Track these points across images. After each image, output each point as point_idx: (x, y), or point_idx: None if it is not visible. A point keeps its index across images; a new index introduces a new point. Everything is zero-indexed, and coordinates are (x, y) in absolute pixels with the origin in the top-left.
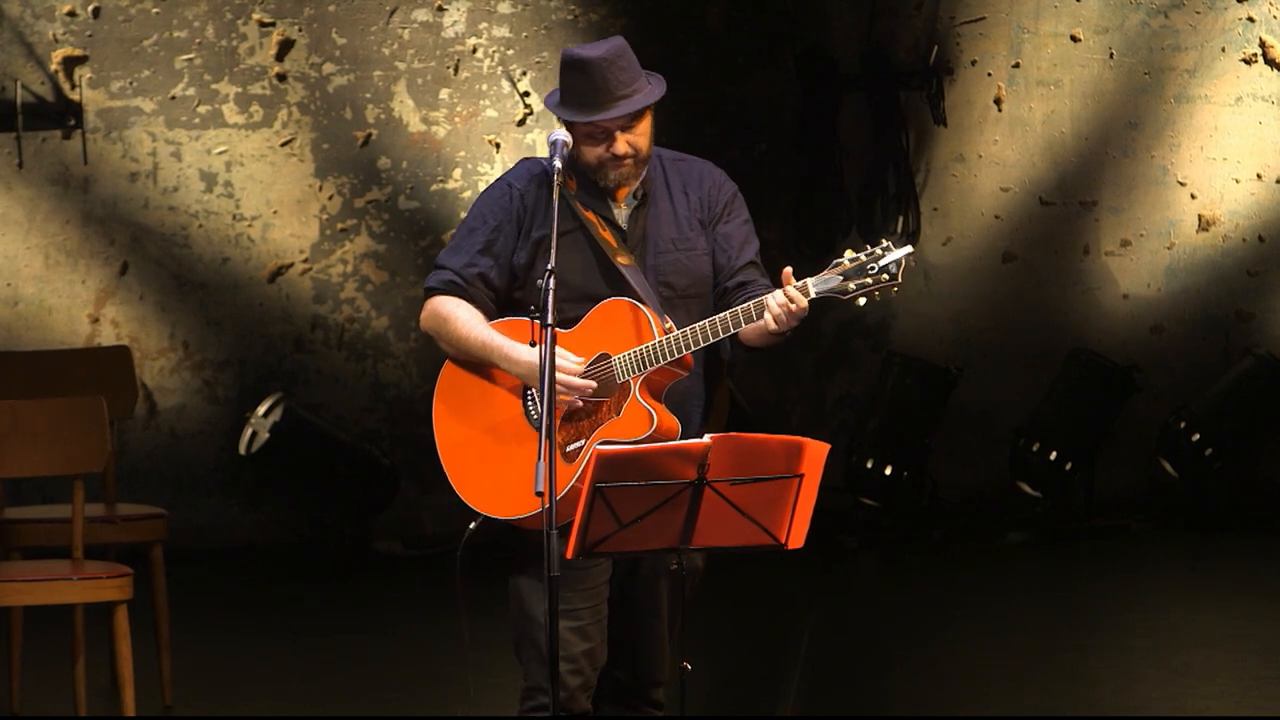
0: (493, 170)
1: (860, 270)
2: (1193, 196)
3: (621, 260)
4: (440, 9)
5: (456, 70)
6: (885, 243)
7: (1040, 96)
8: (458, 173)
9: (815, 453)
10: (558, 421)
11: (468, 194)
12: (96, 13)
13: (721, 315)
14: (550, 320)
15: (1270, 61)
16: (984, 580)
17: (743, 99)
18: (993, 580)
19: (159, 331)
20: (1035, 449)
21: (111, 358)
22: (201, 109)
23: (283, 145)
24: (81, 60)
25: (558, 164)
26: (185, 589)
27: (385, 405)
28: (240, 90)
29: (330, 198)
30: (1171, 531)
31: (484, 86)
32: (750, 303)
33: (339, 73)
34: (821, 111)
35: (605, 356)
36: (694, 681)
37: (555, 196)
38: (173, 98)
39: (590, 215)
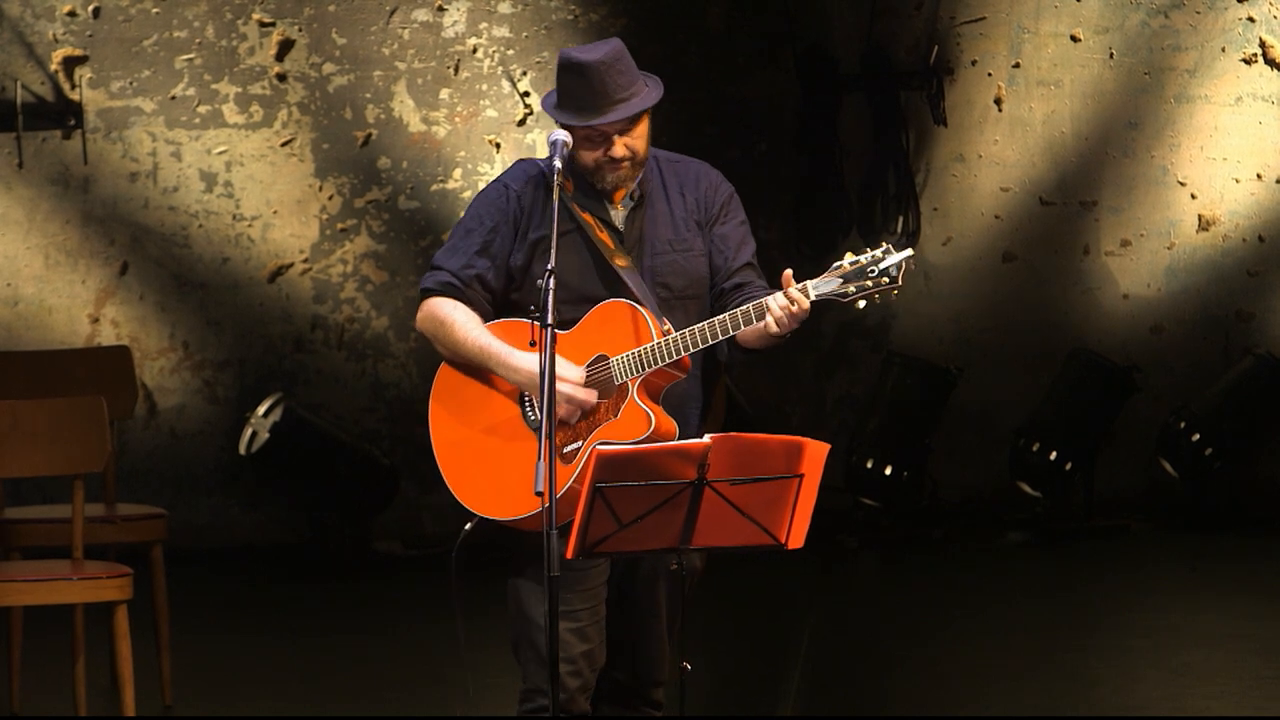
0: (493, 170)
1: (860, 273)
2: (1193, 196)
3: (619, 262)
4: (440, 9)
5: (456, 70)
6: (885, 245)
7: (1040, 96)
8: (458, 173)
9: (815, 453)
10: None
11: (468, 194)
12: (96, 13)
13: (721, 317)
14: (550, 320)
15: (1270, 61)
16: (984, 580)
17: (743, 99)
18: (993, 580)
19: (159, 331)
20: (1035, 449)
21: (111, 358)
22: (201, 109)
23: (283, 145)
24: (81, 60)
25: (558, 164)
26: (185, 589)
27: (385, 405)
28: (240, 90)
29: (330, 198)
30: (1171, 531)
31: (484, 86)
32: (750, 305)
33: (339, 73)
34: (821, 111)
35: (603, 358)
36: (694, 681)
37: (555, 196)
38: (173, 98)
39: (587, 217)
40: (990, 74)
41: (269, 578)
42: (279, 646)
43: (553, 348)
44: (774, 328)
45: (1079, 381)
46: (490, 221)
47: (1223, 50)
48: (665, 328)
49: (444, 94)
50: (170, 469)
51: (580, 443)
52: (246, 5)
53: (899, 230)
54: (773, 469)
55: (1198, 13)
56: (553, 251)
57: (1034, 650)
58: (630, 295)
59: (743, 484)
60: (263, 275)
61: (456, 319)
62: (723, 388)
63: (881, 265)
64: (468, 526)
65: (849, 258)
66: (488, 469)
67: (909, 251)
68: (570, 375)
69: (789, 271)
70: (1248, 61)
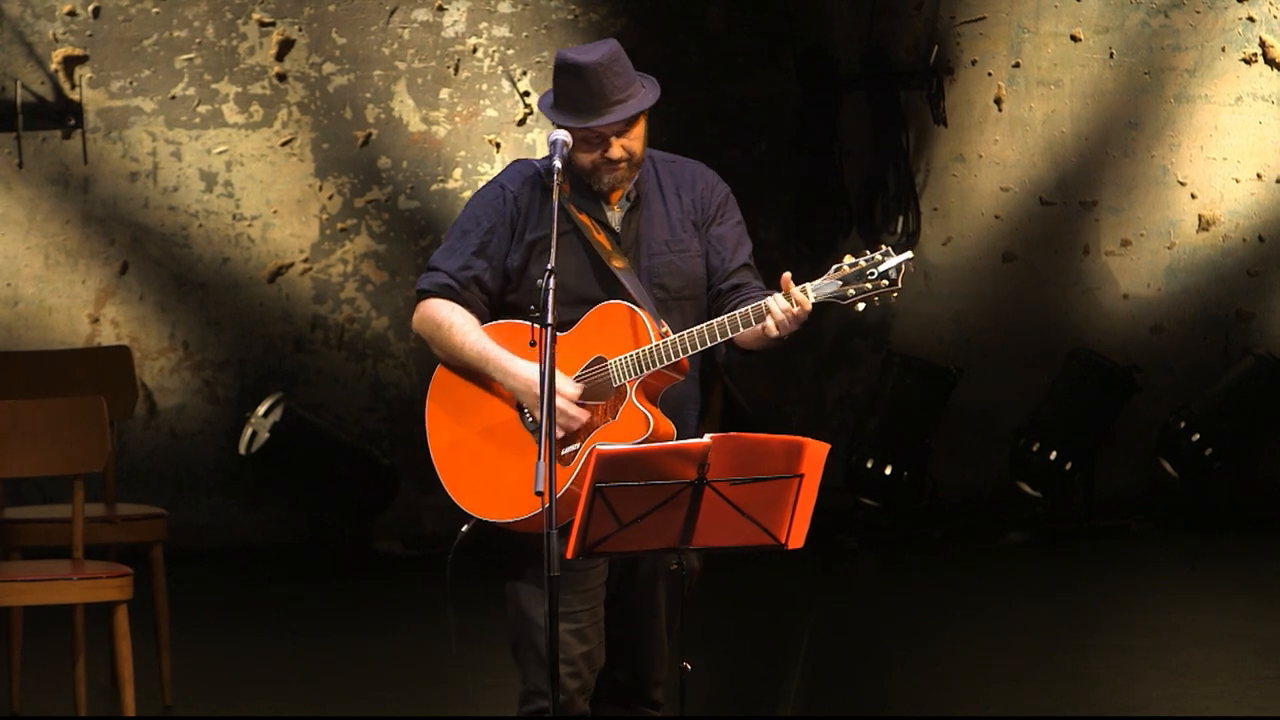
0: (492, 170)
1: (860, 276)
2: (1193, 196)
3: (616, 263)
4: (440, 9)
5: (456, 70)
6: (884, 248)
7: (1040, 96)
8: (458, 173)
9: (815, 453)
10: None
11: (467, 194)
12: (96, 13)
13: (720, 319)
14: (550, 320)
15: (1270, 61)
16: (984, 580)
17: (743, 99)
18: (993, 580)
19: (159, 331)
20: (1035, 449)
21: (111, 358)
22: (201, 109)
23: (283, 145)
24: (81, 60)
25: (558, 163)
26: (185, 589)
27: (385, 405)
28: (240, 90)
29: (330, 198)
30: (1171, 531)
31: (484, 86)
32: (749, 307)
33: (339, 73)
34: (821, 111)
35: (601, 360)
36: (694, 681)
37: (556, 196)
38: (173, 98)
39: (584, 218)
40: (990, 74)
41: (269, 578)
42: (279, 646)
43: (553, 347)
44: (774, 331)
45: (1079, 381)
46: (487, 223)
47: (1223, 50)
48: (663, 329)
49: (444, 94)
50: (170, 469)
51: (578, 445)
52: (246, 5)
53: (899, 230)
54: (773, 469)
55: (1198, 13)
56: (553, 251)
57: (1034, 650)
58: (628, 297)
59: (743, 484)
60: (263, 275)
61: (454, 321)
62: (719, 389)
63: (881, 268)
64: (465, 529)
65: (848, 260)
66: (485, 471)
67: (908, 254)
68: (565, 390)
69: (787, 274)
70: (1248, 61)
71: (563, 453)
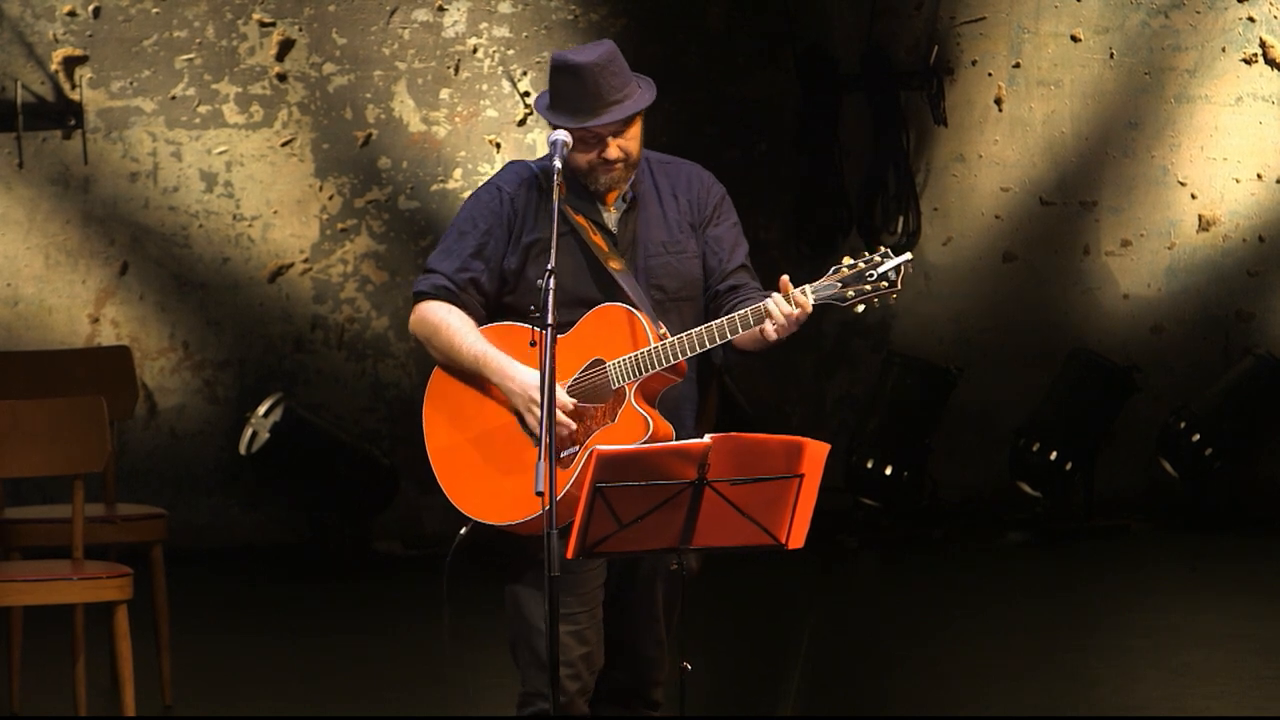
0: (493, 170)
1: (859, 277)
2: (1193, 196)
3: (613, 265)
4: (440, 9)
5: (457, 70)
6: (883, 249)
7: (1040, 96)
8: (458, 173)
9: (815, 453)
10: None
11: (467, 194)
12: (96, 13)
13: (719, 321)
14: (550, 320)
15: (1270, 61)
16: (984, 580)
17: (743, 99)
18: (993, 580)
19: (159, 331)
20: (1035, 449)
21: (111, 358)
22: (201, 109)
23: (283, 145)
24: (81, 60)
25: (558, 164)
26: (185, 589)
27: (385, 405)
28: (240, 90)
29: (330, 198)
30: (1171, 531)
31: (484, 86)
32: (749, 309)
33: (339, 73)
34: (821, 111)
35: (599, 362)
36: (694, 681)
37: (556, 196)
38: (173, 98)
39: (581, 219)
40: (990, 74)
41: (269, 578)
42: (279, 646)
43: (553, 348)
44: (772, 335)
45: (1079, 381)
46: (484, 224)
47: (1223, 50)
48: (661, 331)
49: (444, 94)
50: (170, 469)
51: (577, 447)
52: (246, 5)
53: (899, 230)
54: (773, 469)
55: (1198, 13)
56: (553, 251)
57: (1034, 650)
58: (625, 298)
59: (743, 484)
60: (263, 275)
61: (451, 323)
62: (715, 389)
63: (880, 269)
64: (463, 531)
65: (846, 261)
66: (483, 474)
67: (907, 256)
68: (560, 400)
69: (786, 277)
70: (1248, 61)
71: (561, 455)
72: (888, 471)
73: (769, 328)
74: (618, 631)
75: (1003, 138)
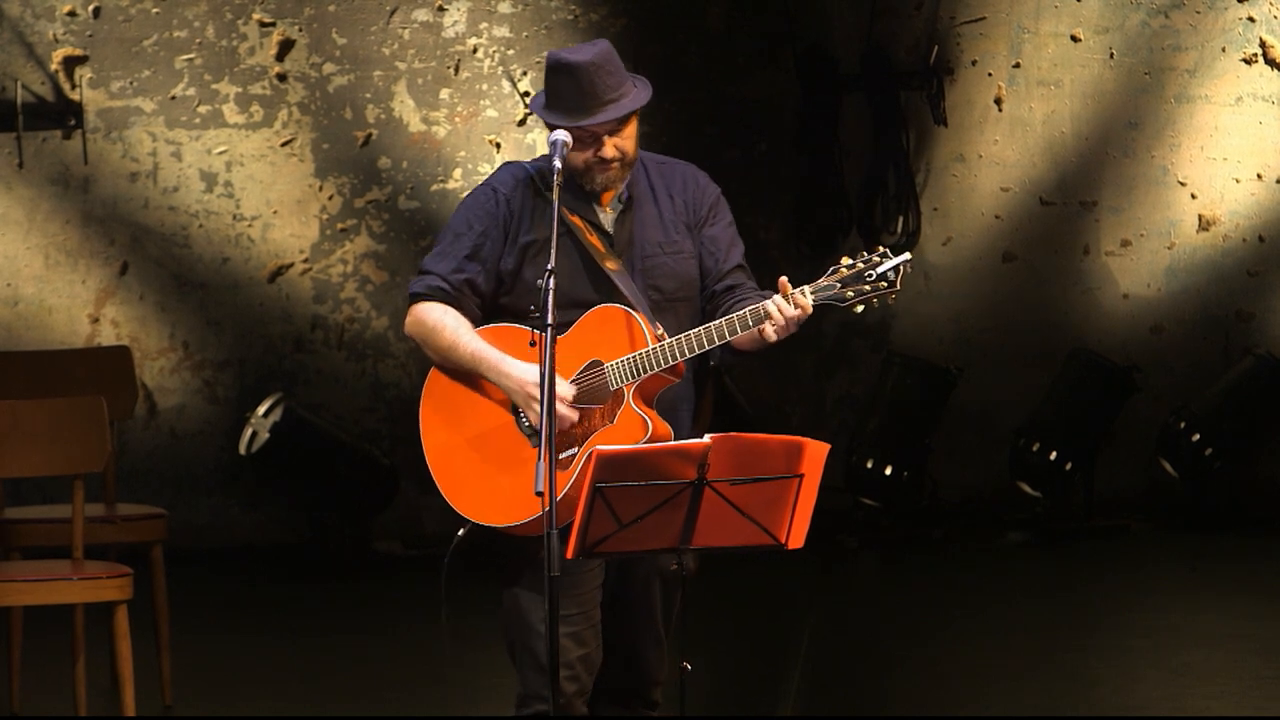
0: (492, 170)
1: (858, 278)
2: (1193, 196)
3: (610, 265)
4: (440, 9)
5: (457, 70)
6: (882, 249)
7: (1040, 96)
8: (458, 173)
9: (815, 453)
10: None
11: (467, 194)
12: (96, 13)
13: (718, 322)
14: (551, 320)
15: (1270, 61)
16: (984, 580)
17: (743, 99)
18: (993, 580)
19: (159, 331)
20: (1035, 449)
21: (111, 358)
22: (201, 109)
23: (283, 145)
24: (81, 60)
25: (558, 164)
26: (185, 589)
27: (385, 405)
28: (240, 90)
29: (330, 198)
30: (1171, 531)
31: (484, 86)
32: (748, 310)
33: (339, 73)
34: (821, 111)
35: (597, 363)
36: (694, 681)
37: (556, 196)
38: (173, 98)
39: (577, 220)
40: (990, 74)
41: (269, 578)
42: (279, 646)
43: (553, 348)
44: (772, 336)
45: (1079, 381)
46: (479, 225)
47: (1223, 50)
48: (659, 332)
49: (444, 94)
50: (170, 469)
51: (576, 449)
52: (246, 5)
53: (899, 230)
54: (773, 469)
55: (1198, 13)
56: (553, 251)
57: (1034, 650)
58: (623, 299)
59: (743, 484)
60: (263, 275)
61: (447, 324)
62: (711, 389)
63: (879, 269)
64: (461, 533)
65: (845, 262)
66: (481, 475)
67: (906, 256)
68: (560, 392)
69: (785, 278)
70: (1248, 61)
71: (560, 456)
72: (888, 471)
73: (768, 329)
74: (617, 632)
75: (1003, 138)
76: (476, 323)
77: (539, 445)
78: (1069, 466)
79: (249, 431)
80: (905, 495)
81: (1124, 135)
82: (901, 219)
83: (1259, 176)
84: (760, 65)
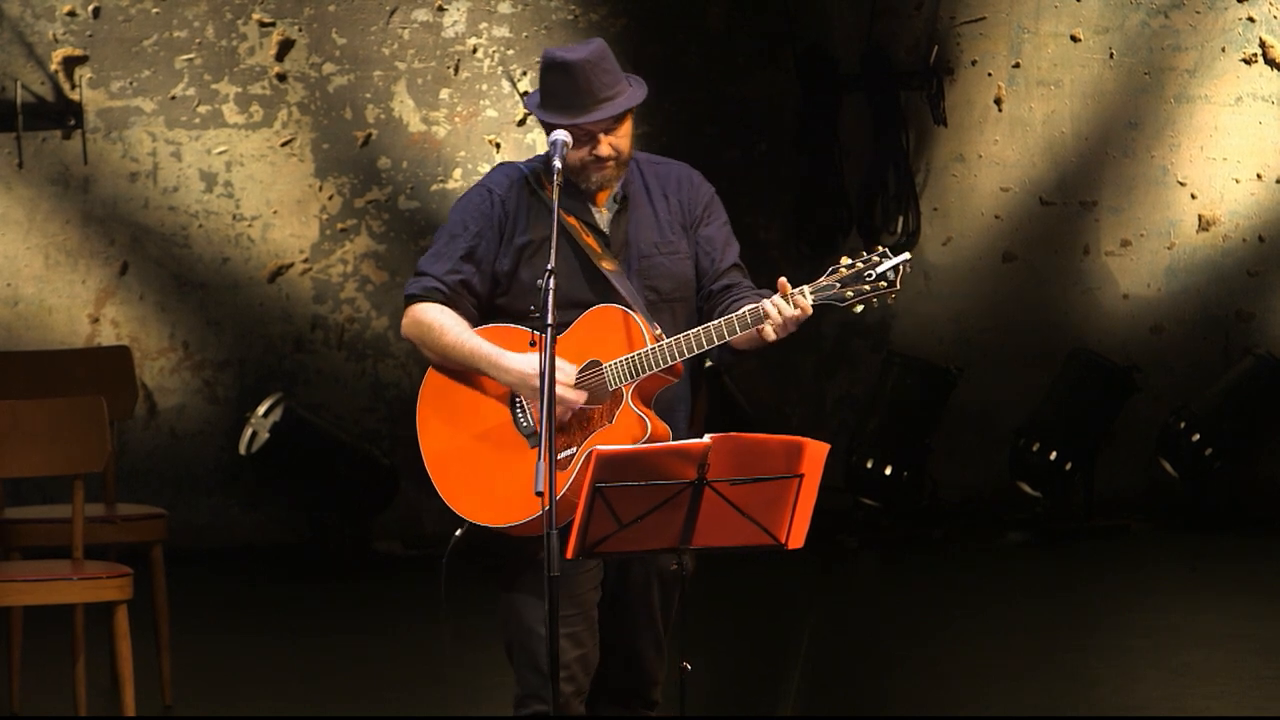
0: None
1: (858, 277)
2: (1193, 196)
3: (606, 265)
4: (440, 9)
5: (456, 70)
6: (882, 249)
7: (1040, 96)
8: (458, 173)
9: (815, 453)
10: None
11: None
12: (96, 13)
13: (717, 322)
14: (551, 320)
15: (1270, 61)
16: (984, 580)
17: (743, 99)
18: (993, 580)
19: (159, 331)
20: (1035, 449)
21: (111, 358)
22: (201, 109)
23: (283, 145)
24: (81, 60)
25: (558, 163)
26: (185, 589)
27: (385, 405)
28: (240, 90)
29: (330, 198)
30: (1171, 531)
31: (484, 86)
32: (747, 310)
33: (339, 73)
34: (821, 111)
35: (596, 364)
36: (694, 681)
37: (556, 195)
38: (173, 98)
39: (572, 220)
40: (990, 74)
41: (269, 578)
42: (279, 646)
43: (553, 348)
44: (771, 336)
45: (1079, 381)
46: (475, 226)
47: (1223, 50)
48: (656, 332)
49: (444, 94)
50: (170, 469)
51: (575, 449)
52: (246, 5)
53: (899, 230)
54: (773, 469)
55: (1198, 13)
56: (553, 251)
57: (1034, 650)
58: (620, 299)
59: (743, 484)
60: (263, 275)
61: (444, 323)
62: (705, 389)
63: (879, 269)
64: (458, 533)
65: (844, 262)
66: (479, 475)
67: (906, 256)
68: (562, 374)
69: (784, 279)
70: (1248, 61)
71: (560, 457)
72: (888, 471)
73: (768, 329)
74: (616, 632)
75: (1003, 138)
76: (473, 323)
77: (537, 445)
78: (1069, 466)
79: (249, 431)
80: (905, 495)
81: (1124, 135)
82: (901, 219)
83: (1259, 176)
84: (760, 65)
